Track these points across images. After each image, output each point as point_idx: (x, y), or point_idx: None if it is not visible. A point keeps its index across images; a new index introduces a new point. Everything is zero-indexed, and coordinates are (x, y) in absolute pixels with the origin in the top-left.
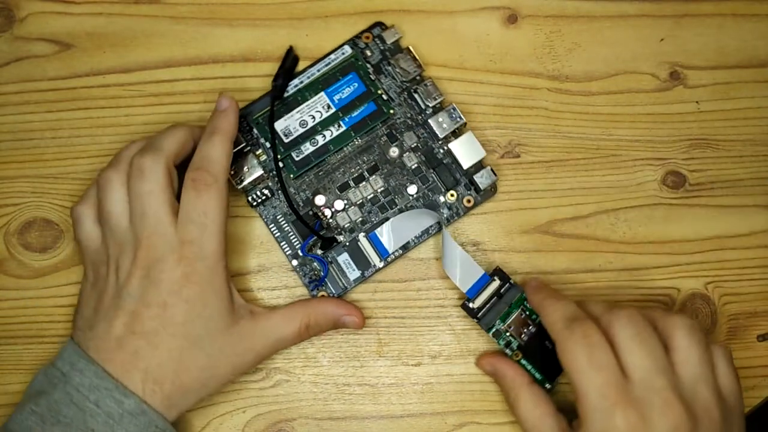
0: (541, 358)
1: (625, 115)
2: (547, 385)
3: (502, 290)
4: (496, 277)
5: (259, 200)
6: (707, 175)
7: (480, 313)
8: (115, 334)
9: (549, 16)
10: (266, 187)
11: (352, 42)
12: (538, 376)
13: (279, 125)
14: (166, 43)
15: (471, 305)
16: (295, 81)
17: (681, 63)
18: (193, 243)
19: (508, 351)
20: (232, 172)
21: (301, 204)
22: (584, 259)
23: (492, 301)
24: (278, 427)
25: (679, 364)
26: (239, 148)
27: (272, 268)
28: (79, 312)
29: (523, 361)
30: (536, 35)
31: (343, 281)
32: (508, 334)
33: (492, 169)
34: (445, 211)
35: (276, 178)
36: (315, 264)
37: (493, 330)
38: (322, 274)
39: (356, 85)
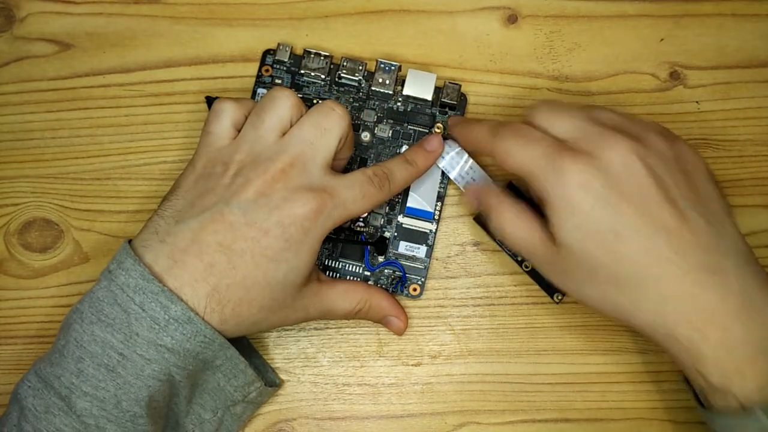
0: None
1: None
2: (556, 298)
3: None
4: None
5: None
6: None
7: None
8: (201, 238)
9: (549, 16)
10: None
11: (260, 83)
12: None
13: None
14: (166, 43)
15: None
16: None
17: (681, 63)
18: (331, 201)
19: (524, 267)
20: None
21: (333, 236)
22: None
23: None
24: (278, 427)
25: (599, 119)
26: None
27: None
28: (170, 199)
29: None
30: (536, 35)
31: (418, 263)
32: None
33: (449, 82)
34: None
35: None
36: (387, 271)
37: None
38: (400, 272)
39: None
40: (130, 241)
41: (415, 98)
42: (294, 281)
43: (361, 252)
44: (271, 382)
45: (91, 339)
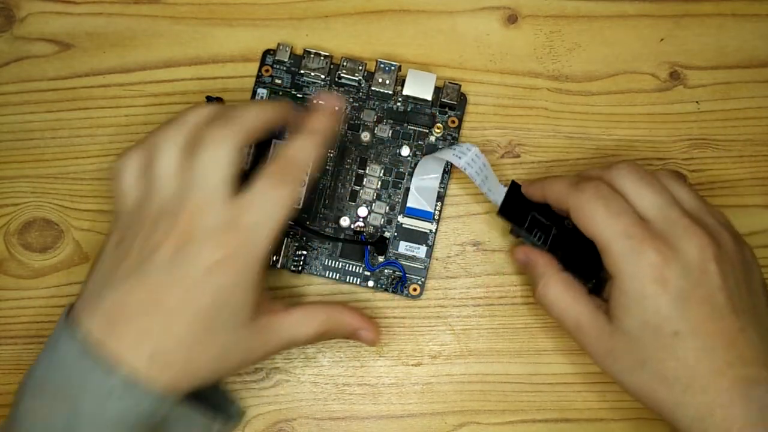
0: (577, 262)
1: (625, 115)
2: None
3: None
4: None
5: (301, 263)
6: (707, 175)
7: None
8: (129, 304)
9: (549, 16)
10: (298, 249)
11: (260, 83)
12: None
13: None
14: (166, 43)
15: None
16: (245, 149)
17: (681, 63)
18: (245, 231)
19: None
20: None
21: (333, 235)
22: None
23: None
24: (278, 427)
25: (680, 201)
26: None
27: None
28: (92, 273)
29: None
30: (536, 35)
31: (418, 263)
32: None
33: (449, 82)
34: (443, 145)
35: (301, 235)
36: (387, 271)
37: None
38: (400, 272)
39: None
40: (71, 308)
41: (414, 98)
42: (240, 321)
43: (361, 252)
44: (233, 414)
45: (35, 415)
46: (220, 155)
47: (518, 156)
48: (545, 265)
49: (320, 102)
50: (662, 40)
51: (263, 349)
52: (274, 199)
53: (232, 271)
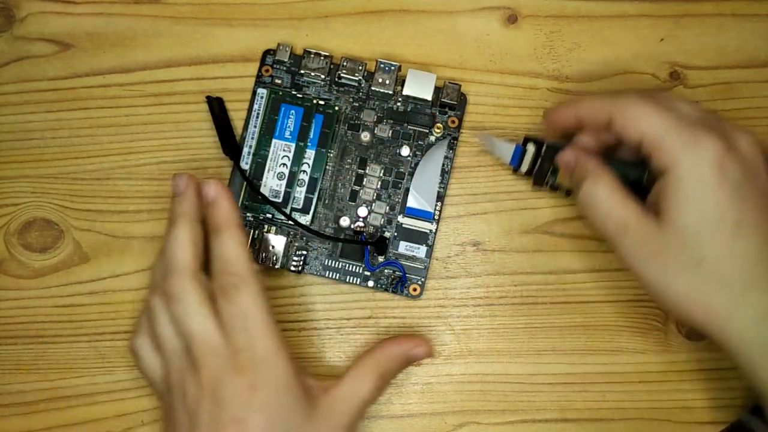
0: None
1: None
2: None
3: (542, 151)
4: (529, 144)
5: (301, 263)
6: None
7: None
8: None
9: (549, 16)
10: (298, 249)
11: (260, 83)
12: None
13: (263, 192)
14: (166, 43)
15: (522, 170)
16: (245, 149)
17: (681, 63)
18: (245, 350)
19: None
20: (263, 255)
21: (333, 236)
22: (584, 259)
23: (538, 163)
24: None
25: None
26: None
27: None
28: None
29: None
30: (536, 35)
31: (418, 263)
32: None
33: (449, 82)
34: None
35: (301, 235)
36: (386, 271)
37: (551, 184)
38: (400, 272)
39: (293, 112)
40: None
41: (415, 98)
42: (299, 422)
43: (361, 252)
44: None
45: None
46: (187, 304)
47: None
48: (596, 164)
49: (211, 193)
50: (662, 40)
51: (340, 427)
52: (238, 309)
53: (263, 384)
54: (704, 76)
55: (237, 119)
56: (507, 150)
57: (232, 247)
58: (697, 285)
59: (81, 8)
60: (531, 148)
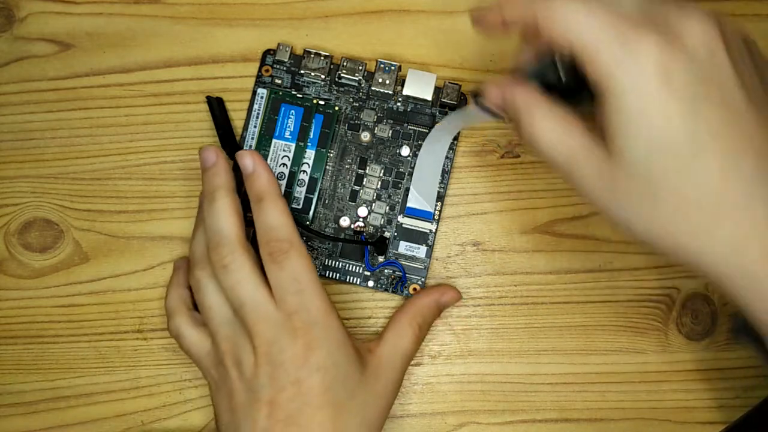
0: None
1: None
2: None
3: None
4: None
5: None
6: None
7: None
8: (261, 429)
9: None
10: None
11: (260, 83)
12: None
13: None
14: (166, 43)
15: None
16: (245, 149)
17: None
18: (299, 312)
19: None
20: None
21: (333, 236)
22: (584, 259)
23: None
24: None
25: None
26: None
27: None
28: (218, 422)
29: None
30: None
31: (418, 263)
32: None
33: (449, 82)
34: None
35: (301, 235)
36: (386, 271)
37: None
38: (400, 272)
39: (293, 112)
40: None
41: (415, 98)
42: (356, 381)
43: (361, 252)
44: None
45: None
46: (239, 272)
47: (518, 156)
48: (527, 96)
49: (248, 164)
50: None
51: (391, 383)
52: (289, 273)
53: (319, 345)
54: None
55: (237, 119)
56: (473, 114)
57: (276, 215)
58: (659, 218)
59: (81, 8)
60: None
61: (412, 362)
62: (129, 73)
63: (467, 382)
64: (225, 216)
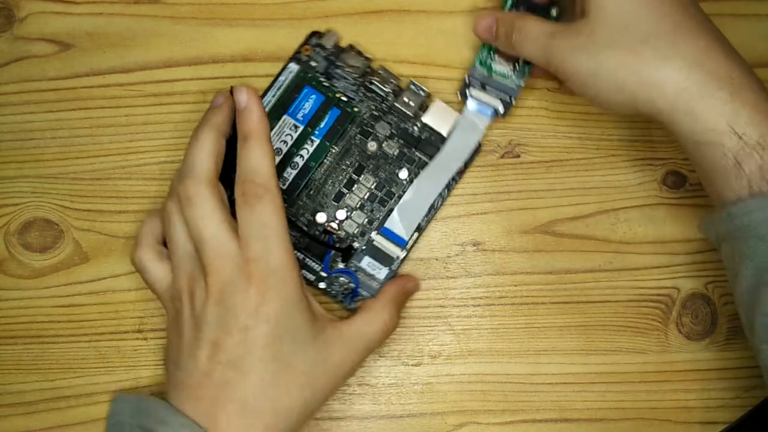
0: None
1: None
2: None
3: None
4: (469, 89)
5: None
6: None
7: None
8: (201, 368)
9: None
10: None
11: (295, 59)
12: None
13: None
14: (166, 43)
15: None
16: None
17: None
18: (259, 259)
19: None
20: None
21: (305, 227)
22: (584, 259)
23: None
24: None
25: None
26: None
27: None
28: (165, 359)
29: None
30: None
31: (375, 283)
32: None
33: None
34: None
35: None
36: (342, 278)
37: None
38: (354, 285)
39: (314, 96)
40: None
41: (431, 128)
42: (306, 340)
43: (324, 252)
44: None
45: None
46: (203, 207)
47: (518, 156)
48: (514, 15)
49: (242, 98)
50: None
51: (348, 362)
52: (259, 217)
53: (273, 296)
54: None
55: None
56: (469, 121)
57: (259, 157)
58: (625, 55)
59: (81, 8)
60: (474, 91)
61: (412, 362)
62: (129, 73)
63: (467, 382)
64: (202, 151)
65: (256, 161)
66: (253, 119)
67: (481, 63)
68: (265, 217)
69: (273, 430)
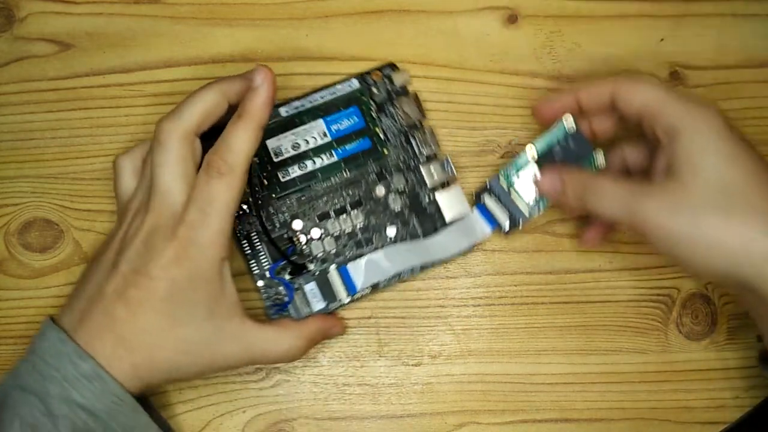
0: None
1: None
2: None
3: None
4: (484, 194)
5: (236, 214)
6: None
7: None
8: (103, 292)
9: (549, 16)
10: (245, 202)
11: (361, 77)
12: None
13: (271, 143)
14: (166, 43)
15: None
16: (297, 103)
17: (681, 63)
18: (191, 227)
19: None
20: None
21: (277, 225)
22: (584, 259)
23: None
24: (278, 427)
25: None
26: None
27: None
28: (88, 264)
29: None
30: (536, 35)
31: (306, 310)
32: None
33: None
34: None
35: (254, 196)
36: (281, 288)
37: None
38: (287, 299)
39: (356, 119)
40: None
41: (439, 207)
42: (202, 316)
43: (276, 256)
44: None
45: (14, 405)
46: (167, 154)
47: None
48: (582, 178)
49: (258, 78)
50: (662, 40)
51: (235, 357)
52: (210, 192)
53: (186, 265)
54: (704, 76)
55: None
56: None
57: (241, 139)
58: (728, 218)
59: (81, 8)
60: (489, 200)
61: (412, 362)
62: (129, 73)
63: (467, 382)
64: (194, 104)
65: (236, 141)
66: (256, 102)
67: (505, 177)
68: (216, 194)
69: (138, 370)
